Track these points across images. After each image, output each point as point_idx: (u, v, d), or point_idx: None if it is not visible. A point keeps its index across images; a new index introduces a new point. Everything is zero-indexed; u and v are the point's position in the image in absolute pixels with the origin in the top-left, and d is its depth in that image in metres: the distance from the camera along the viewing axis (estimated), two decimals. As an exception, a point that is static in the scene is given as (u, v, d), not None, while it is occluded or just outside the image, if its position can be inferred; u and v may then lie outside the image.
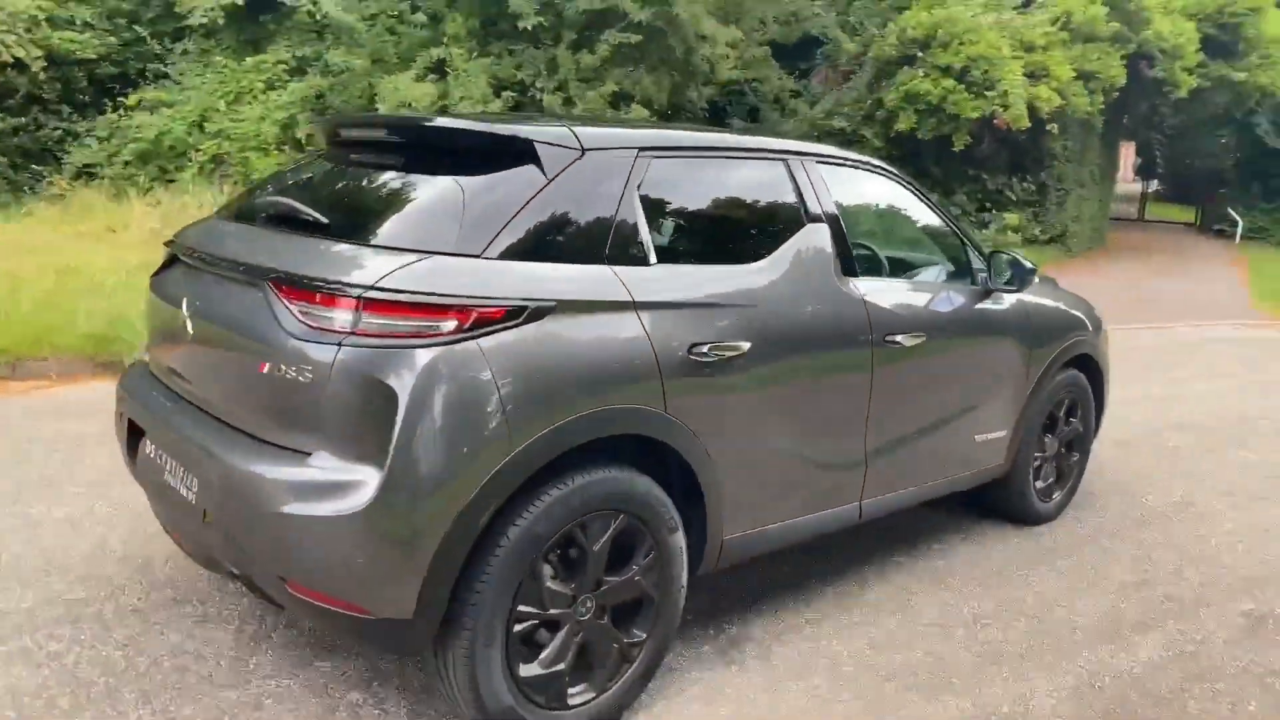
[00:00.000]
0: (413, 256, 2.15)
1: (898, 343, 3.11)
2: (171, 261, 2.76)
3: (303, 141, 11.47)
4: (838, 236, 3.03)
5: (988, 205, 16.23)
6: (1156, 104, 20.12)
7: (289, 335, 2.12)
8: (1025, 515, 4.12)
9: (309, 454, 2.11)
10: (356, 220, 2.40)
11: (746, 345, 2.61)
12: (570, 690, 2.37)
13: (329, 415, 2.07)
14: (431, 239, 2.21)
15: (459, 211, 2.29)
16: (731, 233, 2.93)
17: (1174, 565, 3.89)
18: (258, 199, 2.75)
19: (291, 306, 2.14)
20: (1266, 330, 12.87)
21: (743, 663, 2.89)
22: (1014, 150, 16.11)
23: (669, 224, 2.62)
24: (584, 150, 2.46)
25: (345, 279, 2.10)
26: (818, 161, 3.14)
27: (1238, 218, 25.81)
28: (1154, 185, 35.81)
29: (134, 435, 2.70)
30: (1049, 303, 4.03)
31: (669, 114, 13.24)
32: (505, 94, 11.77)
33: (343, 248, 2.26)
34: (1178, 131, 29.03)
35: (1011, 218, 15.43)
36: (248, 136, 11.53)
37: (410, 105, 10.78)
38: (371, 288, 2.06)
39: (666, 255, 2.56)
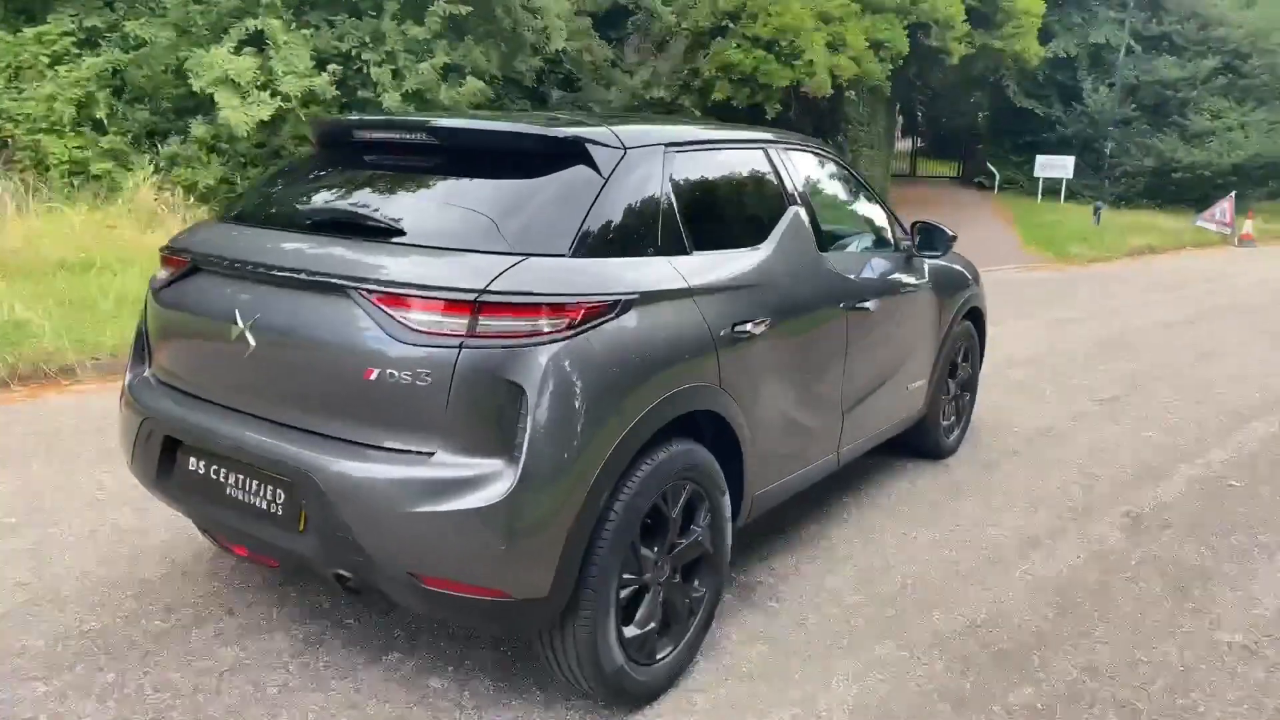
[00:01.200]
0: (508, 259, 2.26)
1: (865, 308, 3.51)
2: (191, 271, 2.66)
3: (105, 122, 10.49)
4: (811, 216, 3.37)
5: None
6: (925, 69, 22.07)
7: (401, 342, 2.18)
8: (936, 451, 4.71)
9: (430, 454, 2.19)
10: (427, 225, 2.44)
11: (769, 320, 2.90)
12: (657, 646, 2.61)
13: (452, 415, 2.16)
14: (517, 241, 2.32)
15: (537, 213, 2.41)
16: (739, 218, 3.19)
17: (1058, 482, 4.60)
18: (300, 205, 2.71)
19: (398, 314, 2.19)
20: (1041, 270, 14.69)
21: (763, 605, 3.21)
22: (815, 117, 17.24)
23: (693, 214, 2.84)
24: (626, 149, 2.63)
25: (456, 284, 2.18)
26: (785, 148, 3.46)
27: (994, 170, 28.84)
28: (919, 143, 39.11)
29: (167, 452, 2.63)
30: (948, 263, 4.58)
31: (501, 86, 13.15)
32: (331, 67, 11.27)
33: (429, 254, 2.32)
34: (936, 92, 31.86)
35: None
36: (37, 117, 10.39)
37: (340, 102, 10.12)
38: (485, 291, 2.16)
39: (696, 244, 2.79)
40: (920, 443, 4.63)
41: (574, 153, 2.54)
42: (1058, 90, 27.58)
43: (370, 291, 2.23)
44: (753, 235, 3.09)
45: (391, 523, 2.18)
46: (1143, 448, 5.22)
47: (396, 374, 2.18)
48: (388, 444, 2.23)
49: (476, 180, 2.58)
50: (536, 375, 2.16)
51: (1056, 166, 25.91)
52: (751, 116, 15.87)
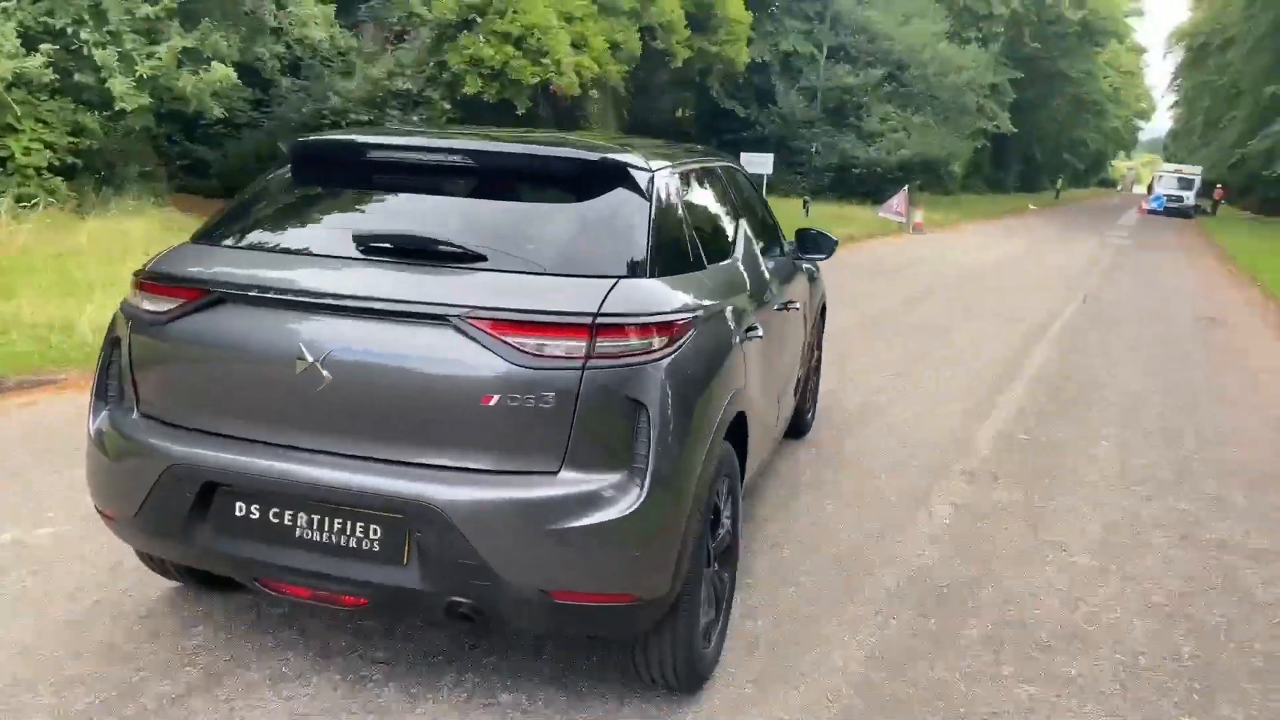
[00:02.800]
0: (604, 282, 2.37)
1: (795, 307, 3.93)
2: (215, 302, 2.45)
3: None
4: (751, 227, 3.72)
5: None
6: (648, 69, 23.33)
7: (523, 367, 2.22)
8: (800, 431, 5.28)
9: (553, 472, 2.26)
10: (503, 250, 2.45)
11: (760, 323, 3.22)
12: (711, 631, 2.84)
13: (576, 434, 2.25)
14: (598, 263, 2.44)
15: (606, 235, 2.53)
16: (720, 232, 3.44)
17: (899, 448, 5.35)
18: (336, 230, 2.58)
19: (516, 340, 2.23)
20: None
21: (740, 583, 3.53)
22: (559, 115, 17.67)
23: (698, 230, 3.06)
24: (653, 171, 2.81)
25: (572, 309, 2.27)
26: (727, 166, 3.78)
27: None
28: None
29: (200, 501, 2.42)
30: (808, 265, 5.15)
31: (241, 71, 12.15)
32: (44, 47, 9.84)
33: (525, 279, 2.36)
34: (639, 91, 33.68)
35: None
36: None
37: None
38: (600, 314, 2.27)
39: (704, 258, 3.03)
40: (797, 422, 5.17)
41: (614, 175, 2.68)
42: (755, 93, 30.24)
43: (482, 320, 2.25)
44: (728, 247, 3.38)
45: (526, 544, 2.24)
46: (943, 416, 6.17)
47: (519, 398, 2.23)
48: (508, 467, 2.27)
49: (527, 204, 2.64)
50: (655, 391, 2.31)
51: (758, 164, 28.32)
52: (501, 112, 15.96)
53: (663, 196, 2.78)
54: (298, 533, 2.35)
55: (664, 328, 2.37)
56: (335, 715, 2.56)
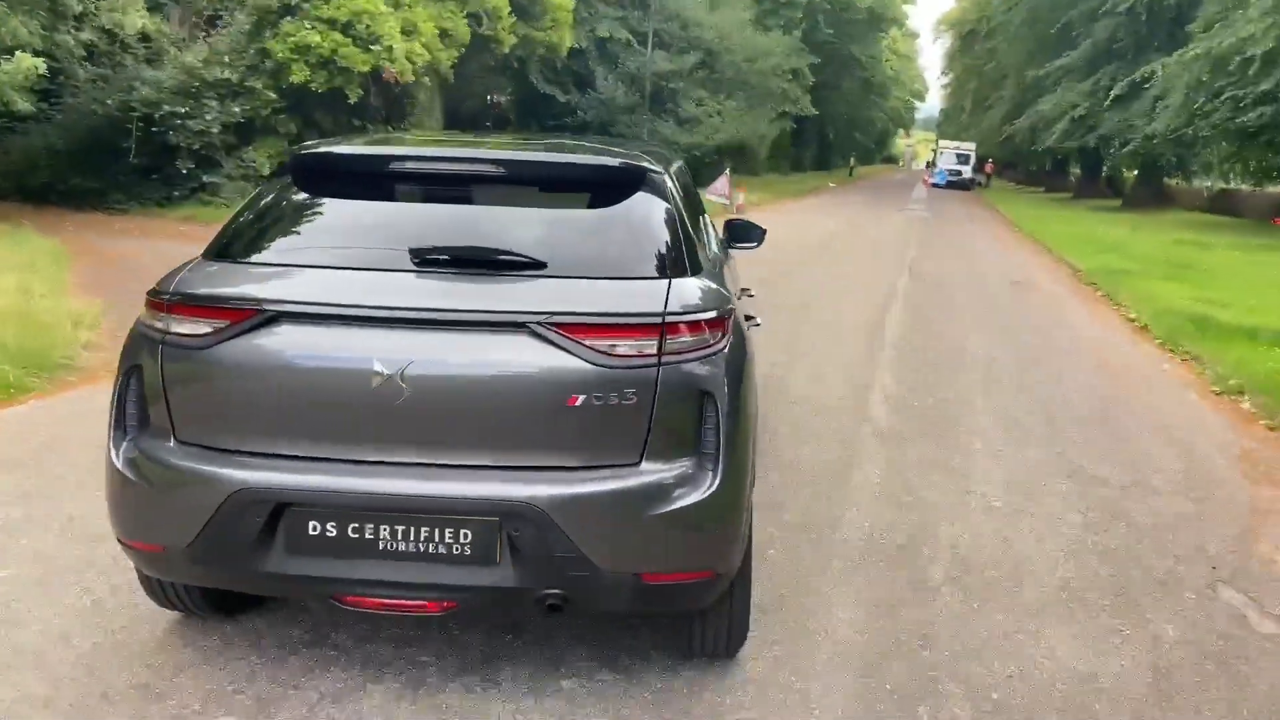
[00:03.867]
0: (659, 283, 2.52)
1: (751, 294, 4.19)
2: (267, 321, 2.40)
3: None
4: (709, 224, 3.95)
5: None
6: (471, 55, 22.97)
7: (605, 368, 2.35)
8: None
9: (635, 464, 2.41)
10: (559, 256, 2.54)
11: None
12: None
13: (655, 426, 2.40)
14: (644, 265, 2.59)
15: (648, 238, 2.68)
16: (701, 233, 3.62)
17: (812, 417, 5.77)
18: (379, 242, 2.56)
19: (595, 343, 2.35)
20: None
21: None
22: (388, 104, 17.13)
23: (695, 230, 3.24)
24: (666, 173, 2.97)
25: (641, 310, 2.41)
26: (680, 167, 3.97)
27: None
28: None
29: (268, 525, 2.38)
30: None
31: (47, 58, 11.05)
32: None
33: (589, 284, 2.48)
34: (458, 76, 33.12)
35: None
36: None
37: None
38: (667, 313, 2.43)
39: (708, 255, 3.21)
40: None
41: (637, 180, 2.82)
42: (574, 78, 30.41)
43: (562, 325, 2.35)
44: (707, 244, 3.57)
45: (620, 532, 2.37)
46: (835, 385, 6.67)
47: (602, 397, 2.35)
48: (594, 462, 2.40)
49: (559, 210, 2.74)
50: (720, 381, 2.49)
51: (584, 148, 28.77)
52: (332, 101, 15.32)
53: (677, 198, 2.95)
54: (381, 545, 2.37)
55: (717, 322, 2.55)
56: (421, 718, 2.59)
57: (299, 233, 2.70)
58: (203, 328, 2.44)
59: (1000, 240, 20.80)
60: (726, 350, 2.56)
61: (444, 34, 16.98)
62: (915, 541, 4.02)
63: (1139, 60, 29.90)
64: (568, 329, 2.35)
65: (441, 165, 2.79)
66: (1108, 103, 29.88)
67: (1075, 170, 47.41)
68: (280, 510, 2.38)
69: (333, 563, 2.40)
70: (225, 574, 2.52)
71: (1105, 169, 39.56)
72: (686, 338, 2.45)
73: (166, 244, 12.19)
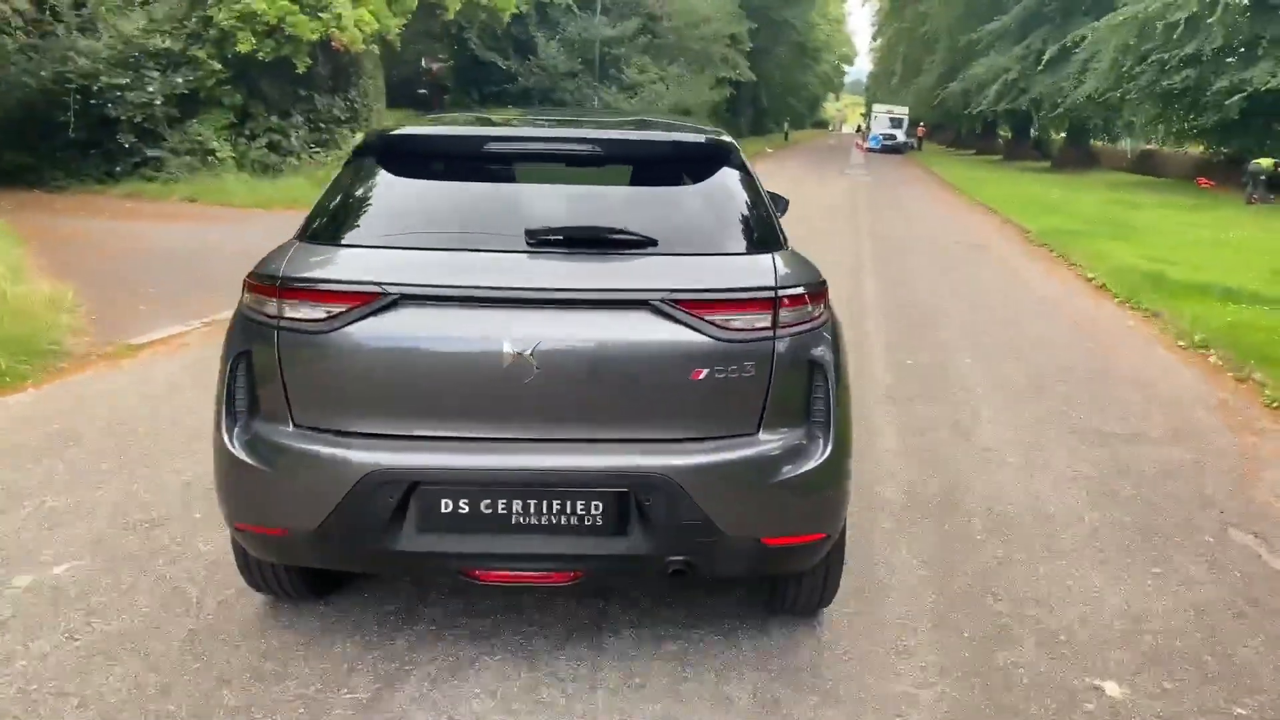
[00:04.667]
0: (763, 258, 2.61)
1: None
2: (391, 304, 2.41)
3: None
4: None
5: (321, 124, 16.64)
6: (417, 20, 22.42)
7: (726, 342, 2.43)
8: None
9: (754, 433, 2.51)
10: (667, 233, 2.59)
11: None
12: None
13: (773, 396, 2.50)
14: (748, 240, 2.68)
15: (745, 213, 2.75)
16: None
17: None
18: (493, 222, 2.59)
19: (716, 317, 2.43)
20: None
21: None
22: (335, 72, 16.68)
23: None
24: (739, 147, 3.04)
25: (755, 284, 2.49)
26: None
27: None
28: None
29: (400, 504, 2.43)
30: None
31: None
32: None
33: (703, 260, 2.55)
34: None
35: (361, 136, 16.19)
36: None
37: None
38: (780, 287, 2.52)
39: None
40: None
41: (723, 155, 2.88)
42: (514, 44, 29.94)
43: (683, 300, 2.42)
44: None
45: (746, 499, 2.48)
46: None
47: (724, 370, 2.44)
48: (716, 433, 2.49)
49: (654, 188, 2.80)
50: (827, 351, 2.60)
51: (527, 116, 28.42)
52: (278, 71, 14.87)
53: (754, 172, 3.03)
54: (514, 519, 2.43)
55: (819, 294, 2.65)
56: (534, 690, 2.68)
57: (401, 215, 2.70)
58: (319, 312, 2.45)
59: (945, 203, 21.30)
60: (829, 320, 2.67)
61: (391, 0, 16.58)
62: (950, 498, 4.22)
63: (1068, 24, 30.70)
64: (689, 305, 2.43)
65: (535, 145, 2.82)
66: (1040, 67, 30.64)
67: (1005, 133, 48.60)
68: (411, 489, 2.42)
69: (464, 538, 2.46)
70: (353, 554, 2.55)
71: (1034, 131, 40.66)
72: (796, 310, 2.55)
73: (116, 223, 11.79)
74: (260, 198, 13.67)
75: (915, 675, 2.84)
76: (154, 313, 7.28)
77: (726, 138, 2.96)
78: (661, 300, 2.42)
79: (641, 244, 2.56)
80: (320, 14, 14.29)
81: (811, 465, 2.53)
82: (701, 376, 2.44)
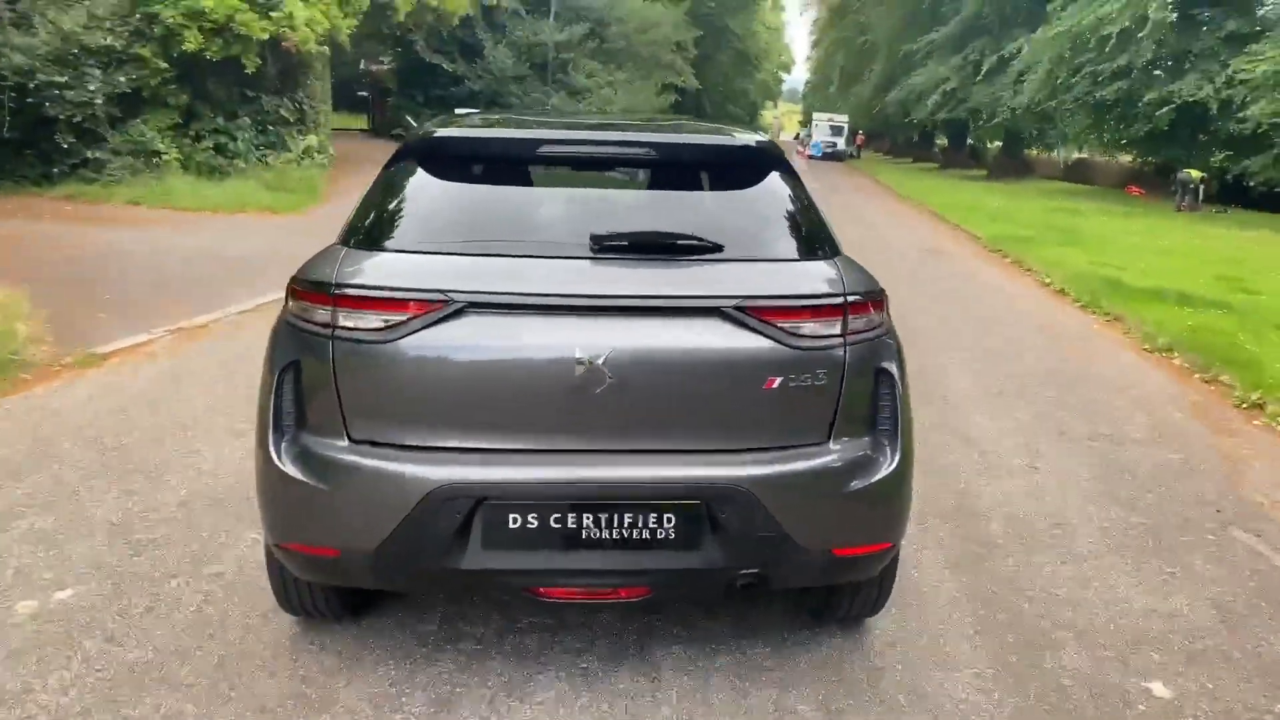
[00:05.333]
0: (826, 265, 2.58)
1: None
2: (456, 313, 2.32)
3: None
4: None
5: (269, 126, 16.19)
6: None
7: (799, 350, 2.39)
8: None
9: (824, 442, 2.47)
10: (731, 239, 2.54)
11: None
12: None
13: (843, 405, 2.47)
14: (801, 246, 2.64)
15: (802, 220, 2.72)
16: None
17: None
18: (553, 228, 2.51)
19: (789, 325, 2.39)
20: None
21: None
22: (283, 72, 16.25)
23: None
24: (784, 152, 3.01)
25: (825, 291, 2.46)
26: None
27: (414, 123, 30.06)
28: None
29: (465, 521, 2.33)
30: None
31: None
32: None
33: (765, 265, 2.51)
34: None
35: (311, 139, 15.83)
36: None
37: None
38: (848, 294, 2.49)
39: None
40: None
41: (774, 159, 2.85)
42: (460, 47, 29.60)
43: (756, 308, 2.38)
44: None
45: (820, 510, 2.44)
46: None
47: (797, 378, 2.40)
48: (788, 442, 2.45)
49: (712, 192, 2.75)
50: (894, 359, 2.59)
51: (475, 120, 28.14)
52: (225, 71, 14.43)
53: (799, 176, 3.00)
54: (584, 534, 2.36)
55: (880, 302, 2.63)
56: (596, 707, 2.60)
57: (456, 220, 2.59)
58: (377, 320, 2.35)
59: (894, 211, 21.65)
60: (891, 328, 2.65)
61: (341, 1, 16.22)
62: (964, 504, 4.25)
63: (1005, 36, 31.54)
64: (762, 312, 2.39)
65: (590, 148, 2.74)
66: (979, 77, 31.43)
67: (942, 141, 49.71)
68: (477, 505, 2.33)
69: (532, 555, 2.37)
70: (412, 574, 2.44)
71: (970, 140, 41.67)
72: (864, 317, 2.53)
73: (60, 226, 11.29)
74: (207, 201, 13.23)
75: (971, 682, 2.84)
76: (115, 320, 6.97)
77: (771, 141, 2.93)
78: (735, 307, 2.37)
79: (709, 250, 2.51)
80: (271, 13, 13.89)
81: (882, 475, 2.50)
82: (775, 385, 2.39)
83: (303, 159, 15.88)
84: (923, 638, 3.07)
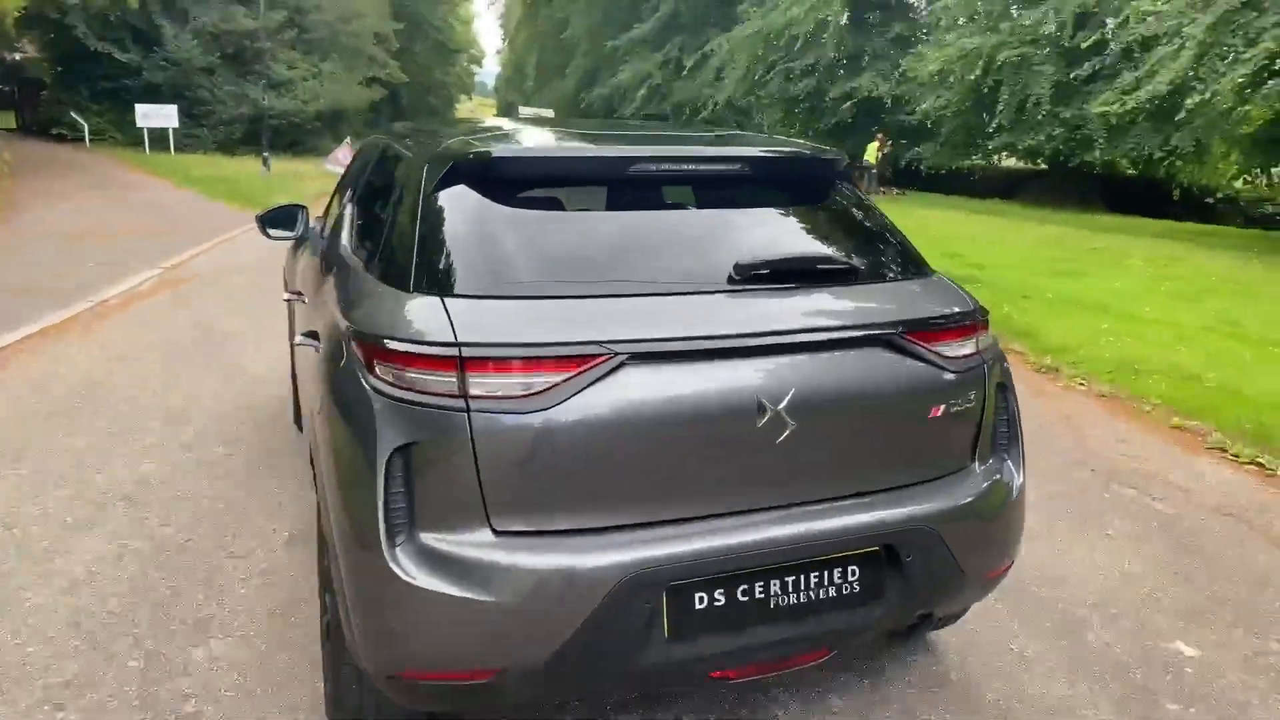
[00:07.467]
0: (940, 281, 2.49)
1: None
2: (615, 369, 1.94)
3: None
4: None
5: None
6: None
7: (953, 373, 2.28)
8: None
9: (969, 466, 2.39)
10: (853, 261, 2.37)
11: None
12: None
13: (983, 426, 2.40)
14: (917, 261, 2.53)
15: (892, 232, 2.60)
16: None
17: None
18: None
19: (941, 348, 2.27)
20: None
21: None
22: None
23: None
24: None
25: (960, 310, 2.36)
26: None
27: (82, 121, 26.13)
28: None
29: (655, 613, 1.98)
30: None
31: None
32: None
33: (899, 286, 2.38)
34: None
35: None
36: None
37: None
38: (975, 311, 2.41)
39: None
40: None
41: (841, 171, 2.71)
42: (132, 34, 26.12)
43: (914, 333, 2.24)
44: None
45: (984, 538, 2.35)
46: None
47: (954, 403, 2.30)
48: (945, 471, 2.34)
49: (804, 208, 2.56)
50: (1009, 376, 2.55)
51: (160, 116, 24.97)
52: None
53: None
54: (773, 603, 2.10)
55: (986, 319, 2.58)
56: None
57: (573, 255, 2.15)
58: (521, 385, 1.92)
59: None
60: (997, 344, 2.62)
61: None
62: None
63: (701, 34, 33.42)
64: (919, 336, 2.25)
65: (682, 166, 2.41)
66: (684, 73, 33.05)
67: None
68: (667, 588, 1.98)
69: (719, 637, 2.06)
70: (588, 683, 2.03)
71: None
72: (986, 337, 2.47)
73: None
74: None
75: (1048, 676, 2.92)
76: None
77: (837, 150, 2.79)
78: (898, 334, 2.22)
79: (847, 273, 2.32)
80: None
81: (1017, 494, 2.47)
82: (939, 413, 2.27)
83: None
84: (994, 641, 3.11)
